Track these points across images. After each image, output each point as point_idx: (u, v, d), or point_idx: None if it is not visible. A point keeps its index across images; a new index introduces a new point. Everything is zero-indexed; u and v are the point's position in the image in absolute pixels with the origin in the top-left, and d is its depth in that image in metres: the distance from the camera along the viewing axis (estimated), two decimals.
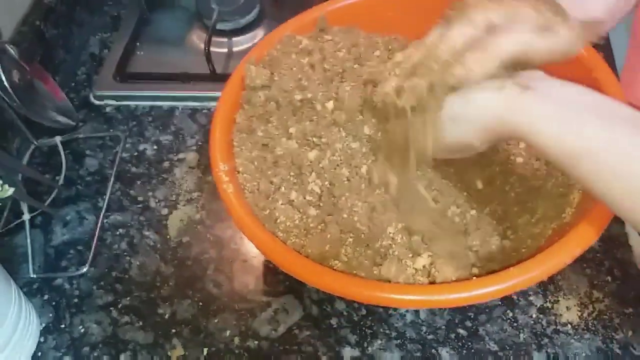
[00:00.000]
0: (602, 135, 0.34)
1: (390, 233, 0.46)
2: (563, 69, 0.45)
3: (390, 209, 0.47)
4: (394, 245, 0.46)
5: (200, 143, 0.69)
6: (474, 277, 0.43)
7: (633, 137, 0.33)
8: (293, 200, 0.48)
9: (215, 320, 0.55)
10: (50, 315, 0.56)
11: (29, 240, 0.61)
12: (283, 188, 0.49)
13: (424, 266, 0.44)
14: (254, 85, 0.53)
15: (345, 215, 0.47)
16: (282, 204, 0.48)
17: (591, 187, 0.35)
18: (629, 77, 0.53)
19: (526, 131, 0.36)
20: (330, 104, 0.50)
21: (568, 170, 0.36)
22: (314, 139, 0.50)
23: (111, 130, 0.71)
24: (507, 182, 0.50)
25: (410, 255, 0.45)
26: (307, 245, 0.46)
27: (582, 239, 0.41)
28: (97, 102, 0.75)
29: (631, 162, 0.33)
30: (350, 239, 0.46)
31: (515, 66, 0.40)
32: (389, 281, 0.43)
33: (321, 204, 0.48)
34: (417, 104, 0.41)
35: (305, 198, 0.48)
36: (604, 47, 0.72)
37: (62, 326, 0.56)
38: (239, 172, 0.50)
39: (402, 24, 0.57)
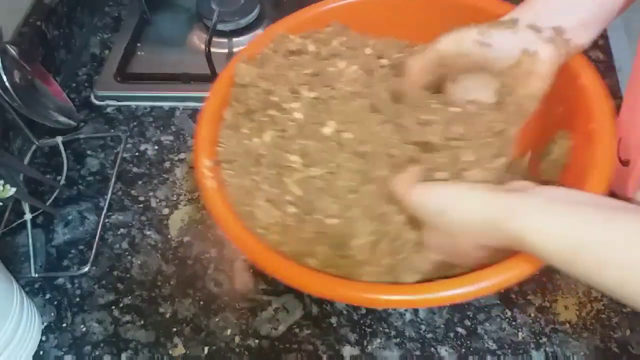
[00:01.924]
0: (595, 227, 0.32)
1: (363, 234, 0.47)
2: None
3: (364, 212, 0.47)
4: (366, 247, 0.46)
5: None
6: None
7: (629, 223, 0.32)
8: (273, 199, 0.49)
9: (216, 319, 0.55)
10: (52, 314, 0.57)
11: (30, 240, 0.61)
12: (264, 186, 0.50)
13: (392, 265, 0.45)
14: (243, 83, 0.54)
15: (320, 216, 0.48)
16: (262, 202, 0.49)
17: (591, 284, 0.33)
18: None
19: (515, 232, 0.34)
20: (295, 105, 0.51)
21: (563, 268, 0.34)
22: (292, 142, 0.51)
23: (112, 131, 0.72)
24: None
25: (381, 254, 0.46)
26: (284, 242, 0.47)
27: None
28: (98, 103, 0.75)
29: (631, 249, 0.31)
30: (326, 239, 0.47)
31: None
32: (362, 281, 0.43)
33: (300, 203, 0.49)
34: None
35: (284, 197, 0.49)
36: (602, 48, 0.73)
37: (64, 325, 0.56)
38: (223, 168, 0.51)
39: (396, 26, 0.57)
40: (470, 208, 0.37)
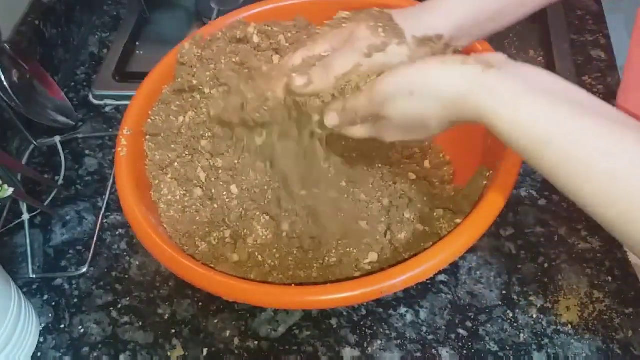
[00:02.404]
0: (573, 123, 0.31)
1: (257, 226, 0.50)
2: None
3: (263, 202, 0.51)
4: (258, 239, 0.50)
5: None
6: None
7: (604, 128, 0.31)
8: (179, 178, 0.52)
9: (215, 321, 0.55)
10: (50, 315, 0.56)
11: (28, 240, 0.61)
12: (176, 163, 0.53)
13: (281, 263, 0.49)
14: (182, 62, 0.55)
15: (218, 205, 0.51)
16: (170, 178, 0.52)
17: (556, 180, 0.33)
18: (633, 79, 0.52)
19: (488, 111, 0.33)
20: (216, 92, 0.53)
21: (531, 159, 0.33)
22: (204, 127, 0.53)
23: (110, 130, 0.71)
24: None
25: (270, 251, 0.49)
26: (180, 220, 0.50)
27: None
28: (96, 102, 0.74)
29: (601, 157, 0.30)
30: (222, 227, 0.50)
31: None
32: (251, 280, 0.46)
33: (204, 188, 0.52)
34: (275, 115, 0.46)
35: (191, 179, 0.52)
36: (604, 47, 0.72)
37: (62, 326, 0.56)
38: (146, 140, 0.54)
39: None
40: (442, 83, 0.36)
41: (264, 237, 0.51)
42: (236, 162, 0.52)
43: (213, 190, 0.51)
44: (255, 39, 0.55)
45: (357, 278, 0.43)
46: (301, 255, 0.49)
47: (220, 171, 0.52)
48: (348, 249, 0.50)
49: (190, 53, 0.55)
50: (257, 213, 0.51)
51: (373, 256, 0.49)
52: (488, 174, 0.48)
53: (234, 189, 0.51)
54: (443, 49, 0.43)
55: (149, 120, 0.54)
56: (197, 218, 0.51)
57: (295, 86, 0.43)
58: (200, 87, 0.53)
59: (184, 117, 0.54)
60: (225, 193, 0.51)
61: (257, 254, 0.50)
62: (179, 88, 0.54)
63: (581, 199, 0.32)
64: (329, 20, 0.49)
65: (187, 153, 0.53)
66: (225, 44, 0.56)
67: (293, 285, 0.46)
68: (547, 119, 0.32)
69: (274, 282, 0.47)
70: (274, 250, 0.50)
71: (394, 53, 0.42)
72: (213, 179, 0.52)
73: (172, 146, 0.53)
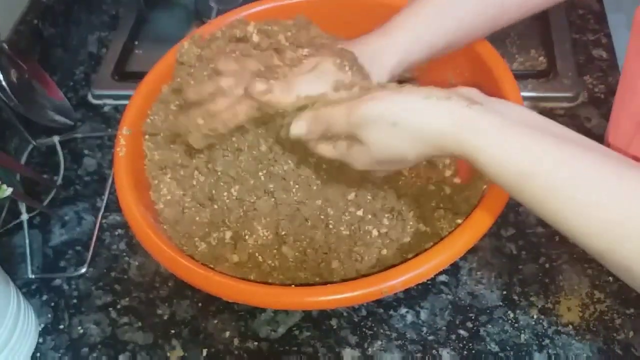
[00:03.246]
0: (552, 155, 0.32)
1: (257, 227, 0.50)
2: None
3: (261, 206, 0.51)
4: (259, 239, 0.50)
5: None
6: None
7: (586, 161, 0.31)
8: (179, 178, 0.52)
9: (215, 321, 0.54)
10: (49, 315, 0.56)
11: (27, 241, 0.61)
12: (176, 163, 0.53)
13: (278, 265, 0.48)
14: (181, 61, 0.54)
15: (217, 205, 0.50)
16: (169, 178, 0.52)
17: (542, 213, 0.33)
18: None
19: (472, 147, 0.34)
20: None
21: (514, 192, 0.34)
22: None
23: (109, 130, 0.71)
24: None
25: (270, 251, 0.49)
26: (179, 221, 0.50)
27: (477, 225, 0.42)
28: (95, 102, 0.74)
29: (585, 190, 0.31)
30: (222, 227, 0.50)
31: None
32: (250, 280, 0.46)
33: (204, 189, 0.51)
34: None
35: (190, 179, 0.52)
36: (606, 46, 0.72)
37: (61, 327, 0.55)
38: (145, 139, 0.53)
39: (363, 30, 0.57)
40: (427, 120, 0.35)
41: (264, 238, 0.50)
42: (231, 170, 0.52)
43: (213, 191, 0.51)
44: (255, 38, 0.55)
45: (357, 278, 0.43)
46: (301, 256, 0.49)
47: (220, 173, 0.52)
48: (349, 249, 0.49)
49: (190, 52, 0.54)
50: (258, 213, 0.51)
51: (373, 257, 0.48)
52: None
53: (233, 190, 0.51)
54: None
55: (148, 119, 0.54)
56: (197, 218, 0.51)
57: (255, 91, 0.41)
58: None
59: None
60: (225, 194, 0.51)
61: (257, 254, 0.49)
62: (178, 87, 0.54)
63: (568, 230, 0.32)
64: (328, 20, 0.49)
65: (186, 153, 0.53)
66: (225, 43, 0.55)
67: (293, 286, 0.46)
68: (531, 154, 0.32)
69: (274, 283, 0.47)
70: (275, 251, 0.49)
71: (357, 94, 0.40)
72: (212, 180, 0.51)
73: (172, 146, 0.53)
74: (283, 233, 0.50)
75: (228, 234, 0.50)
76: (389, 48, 0.46)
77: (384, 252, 0.49)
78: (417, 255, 0.42)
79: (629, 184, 0.30)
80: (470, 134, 0.34)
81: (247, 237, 0.50)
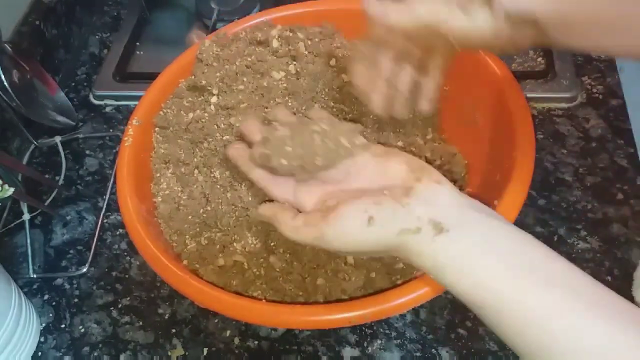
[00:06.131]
0: (509, 291, 0.32)
1: (247, 233, 0.49)
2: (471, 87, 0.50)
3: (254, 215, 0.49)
4: (247, 246, 0.49)
5: None
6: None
7: (544, 296, 0.31)
8: (181, 174, 0.52)
9: (215, 320, 0.55)
10: (51, 315, 0.56)
11: (28, 240, 0.61)
12: (179, 159, 0.53)
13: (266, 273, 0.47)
14: (201, 59, 0.55)
15: (212, 207, 0.50)
16: (171, 173, 0.52)
17: (500, 336, 0.34)
18: None
19: (432, 274, 0.36)
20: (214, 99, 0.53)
21: (475, 311, 0.34)
22: (209, 127, 0.53)
23: (111, 130, 0.71)
24: None
25: (257, 259, 0.48)
26: (173, 217, 0.50)
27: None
28: (96, 102, 0.75)
29: (533, 322, 0.31)
30: (214, 229, 0.50)
31: (430, 47, 0.41)
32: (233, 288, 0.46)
33: (201, 189, 0.51)
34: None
35: (190, 177, 0.52)
36: None
37: (62, 326, 0.56)
38: (155, 132, 0.54)
39: None
40: (394, 252, 0.37)
41: (252, 245, 0.49)
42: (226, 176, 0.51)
43: (208, 192, 0.51)
44: (275, 44, 0.55)
45: (340, 300, 0.44)
46: (288, 267, 0.48)
47: (217, 176, 0.52)
48: (336, 268, 0.47)
49: (209, 50, 0.54)
50: (249, 221, 0.50)
51: (361, 278, 0.46)
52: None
53: (229, 194, 0.50)
54: (524, 33, 0.36)
55: (161, 112, 0.54)
56: (190, 217, 0.50)
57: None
58: (209, 88, 0.53)
59: (193, 114, 0.54)
60: (219, 198, 0.50)
61: (243, 261, 0.48)
62: (193, 84, 0.55)
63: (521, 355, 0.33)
64: (355, 29, 0.48)
65: (190, 151, 0.53)
66: (245, 46, 0.55)
67: (268, 298, 0.46)
68: (485, 290, 0.33)
69: (254, 292, 0.46)
70: (262, 260, 0.48)
71: (480, 20, 0.36)
72: (210, 182, 0.51)
73: (179, 141, 0.53)
74: (272, 244, 0.49)
75: (218, 237, 0.50)
76: None
77: (373, 275, 0.47)
78: (406, 282, 0.42)
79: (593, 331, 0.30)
80: (428, 265, 0.35)
81: (235, 242, 0.49)
